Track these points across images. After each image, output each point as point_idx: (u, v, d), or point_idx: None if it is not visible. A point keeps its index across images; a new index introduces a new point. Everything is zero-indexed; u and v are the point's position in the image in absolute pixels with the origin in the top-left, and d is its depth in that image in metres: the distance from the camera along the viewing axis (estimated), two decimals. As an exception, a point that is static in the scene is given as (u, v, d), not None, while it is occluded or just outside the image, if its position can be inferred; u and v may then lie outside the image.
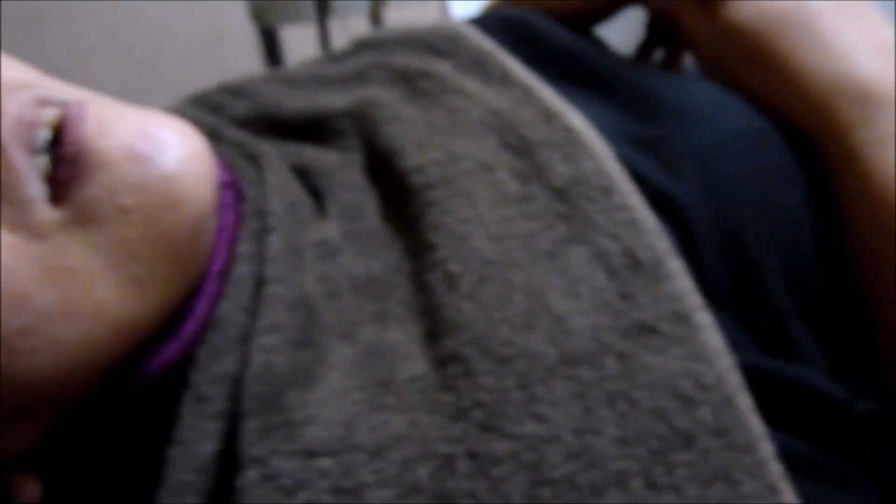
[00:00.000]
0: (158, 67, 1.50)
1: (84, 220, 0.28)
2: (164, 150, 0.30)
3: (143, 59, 1.50)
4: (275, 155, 0.39)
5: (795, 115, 0.37)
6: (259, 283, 0.32)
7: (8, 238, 0.27)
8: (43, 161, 0.28)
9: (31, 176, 0.28)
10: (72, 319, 0.28)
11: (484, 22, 0.46)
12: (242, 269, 0.32)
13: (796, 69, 0.37)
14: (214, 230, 0.33)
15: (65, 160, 0.28)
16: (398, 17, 1.01)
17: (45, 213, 0.28)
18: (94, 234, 0.28)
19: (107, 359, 0.29)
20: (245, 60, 1.41)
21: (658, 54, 0.51)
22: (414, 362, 0.29)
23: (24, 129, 0.28)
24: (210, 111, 0.46)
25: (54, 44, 1.43)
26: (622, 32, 0.53)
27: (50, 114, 0.29)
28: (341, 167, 0.39)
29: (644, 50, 0.51)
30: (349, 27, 0.91)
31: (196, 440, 0.29)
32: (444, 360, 0.29)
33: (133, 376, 0.31)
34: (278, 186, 0.36)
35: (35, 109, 0.28)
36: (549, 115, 0.35)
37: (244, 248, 0.33)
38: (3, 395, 0.27)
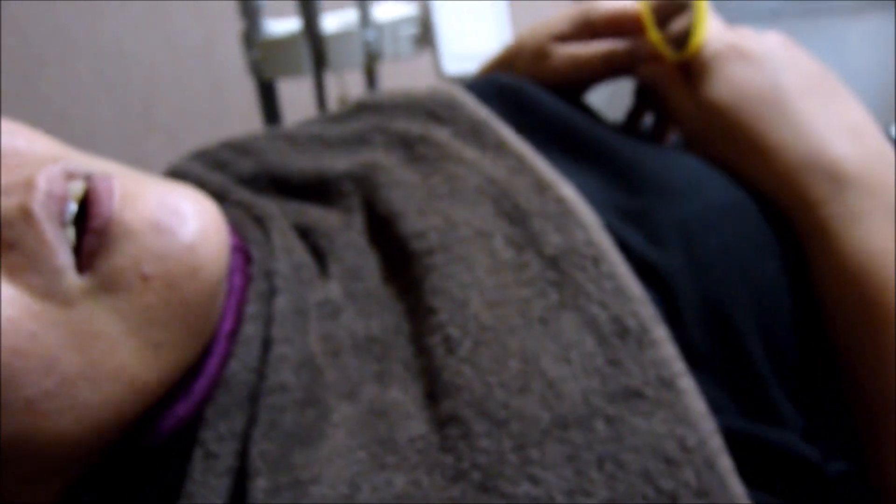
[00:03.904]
0: (155, 113, 1.52)
1: (109, 287, 0.30)
2: (185, 221, 0.32)
3: (140, 105, 1.51)
4: (279, 216, 0.41)
5: (770, 190, 0.39)
6: (266, 343, 0.33)
7: (37, 305, 0.28)
8: (70, 232, 0.30)
9: (60, 247, 0.29)
10: (95, 382, 0.29)
11: (479, 88, 0.48)
12: (250, 330, 0.34)
13: (770, 147, 0.39)
14: (225, 293, 0.35)
15: (93, 232, 0.30)
16: (392, 72, 1.03)
17: (73, 281, 0.29)
18: (118, 300, 0.30)
19: (124, 419, 0.31)
20: (241, 109, 1.42)
21: (647, 119, 0.53)
22: (414, 422, 0.31)
23: (55, 203, 0.29)
24: (215, 168, 0.48)
25: (52, 88, 1.45)
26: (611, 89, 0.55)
27: (77, 187, 0.31)
28: (343, 228, 0.40)
29: (633, 116, 0.53)
30: (344, 82, 0.94)
31: (204, 496, 0.30)
32: (443, 422, 0.30)
33: (147, 434, 0.32)
34: (284, 248, 0.38)
35: (64, 183, 0.30)
36: (541, 186, 0.37)
37: (252, 308, 0.35)
38: (26, 456, 0.29)
